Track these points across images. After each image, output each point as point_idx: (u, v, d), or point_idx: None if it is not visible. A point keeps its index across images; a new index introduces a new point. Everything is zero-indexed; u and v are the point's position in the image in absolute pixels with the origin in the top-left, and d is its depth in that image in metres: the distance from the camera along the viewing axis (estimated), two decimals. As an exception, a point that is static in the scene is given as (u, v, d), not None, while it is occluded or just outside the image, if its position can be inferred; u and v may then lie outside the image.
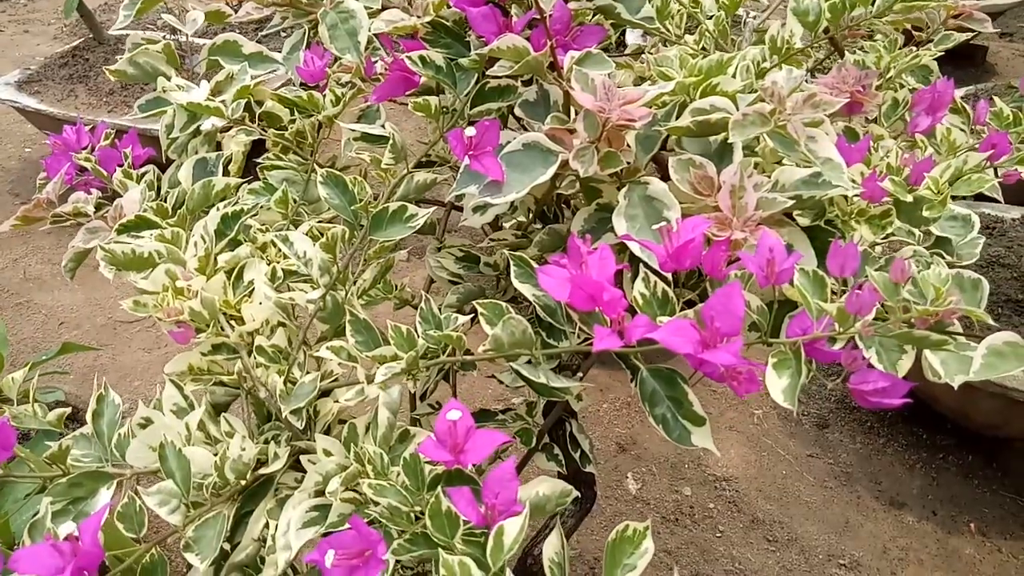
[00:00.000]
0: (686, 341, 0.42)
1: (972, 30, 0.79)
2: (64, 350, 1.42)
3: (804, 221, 0.61)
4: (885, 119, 0.66)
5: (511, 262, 0.55)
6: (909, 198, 0.55)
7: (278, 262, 0.65)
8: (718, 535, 1.92)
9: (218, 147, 0.87)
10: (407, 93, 0.69)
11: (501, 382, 0.76)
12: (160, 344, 2.44)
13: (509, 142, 0.59)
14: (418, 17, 0.67)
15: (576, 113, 0.61)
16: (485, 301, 0.54)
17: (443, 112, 0.65)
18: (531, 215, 0.74)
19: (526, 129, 0.67)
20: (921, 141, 0.61)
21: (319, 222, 0.68)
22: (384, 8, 0.68)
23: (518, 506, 0.43)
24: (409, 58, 0.64)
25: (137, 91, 2.90)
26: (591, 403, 2.17)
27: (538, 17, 0.62)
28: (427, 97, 0.63)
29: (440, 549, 0.45)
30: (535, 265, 0.54)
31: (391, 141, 0.63)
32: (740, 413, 2.13)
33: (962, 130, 0.62)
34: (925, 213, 0.56)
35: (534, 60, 0.57)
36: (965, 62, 3.13)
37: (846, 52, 0.80)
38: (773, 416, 2.11)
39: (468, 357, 0.55)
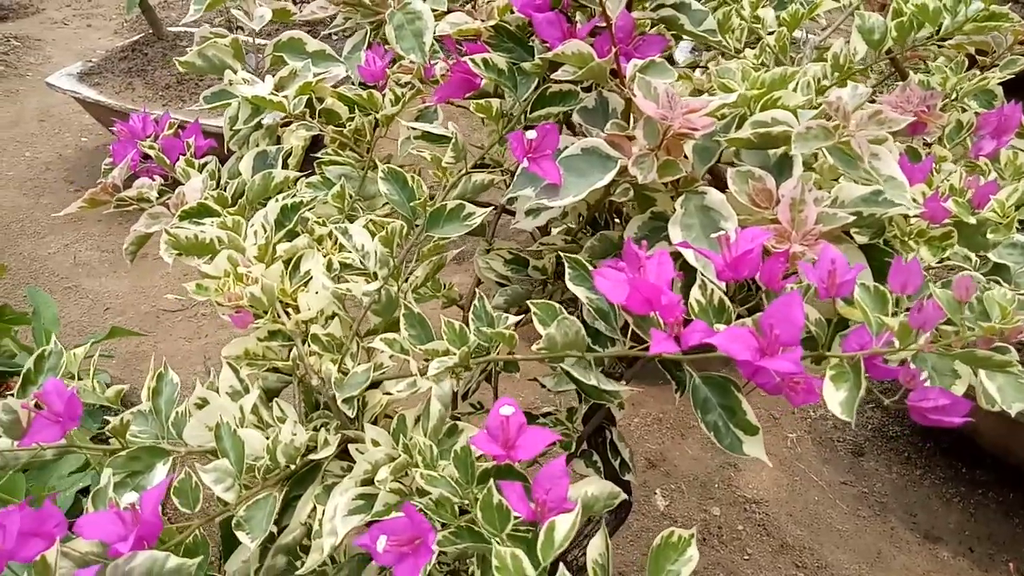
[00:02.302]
0: (744, 348, 0.42)
1: (1040, 56, 0.78)
2: (112, 334, 1.45)
3: (861, 239, 0.61)
4: (948, 141, 0.66)
5: (566, 264, 0.56)
6: (972, 220, 0.54)
7: (333, 254, 0.66)
8: (746, 558, 1.89)
9: (277, 141, 0.89)
10: (467, 96, 0.70)
11: (543, 386, 0.77)
12: (200, 334, 2.49)
13: (568, 146, 0.60)
14: (482, 21, 0.68)
15: (635, 121, 0.62)
16: (538, 301, 0.55)
17: (503, 116, 0.66)
18: (582, 221, 0.75)
19: (581, 136, 0.68)
20: (985, 164, 0.61)
21: (375, 217, 0.69)
22: (450, 11, 0.69)
23: (568, 504, 0.43)
24: (472, 60, 0.65)
25: (192, 86, 2.97)
26: (622, 417, 2.16)
27: (602, 24, 0.63)
28: (489, 100, 0.64)
29: (491, 542, 0.46)
30: (590, 268, 0.54)
31: (453, 140, 0.64)
32: (774, 436, 2.11)
33: (1029, 155, 0.62)
34: (989, 236, 0.55)
35: (597, 66, 0.57)
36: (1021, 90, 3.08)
37: (908, 73, 0.80)
38: (807, 440, 2.08)
39: (519, 356, 0.56)
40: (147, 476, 0.53)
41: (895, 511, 1.88)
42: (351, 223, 0.74)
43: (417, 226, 0.62)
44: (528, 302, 0.55)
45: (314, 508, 0.56)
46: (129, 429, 0.54)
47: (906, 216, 0.59)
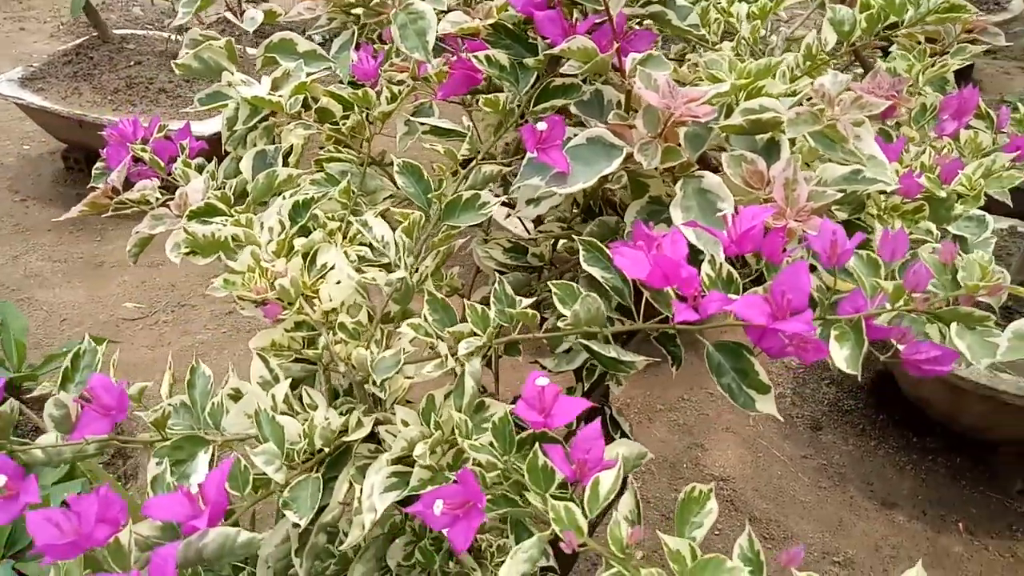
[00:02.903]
0: (759, 313, 0.47)
1: (986, 42, 0.85)
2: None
3: (841, 215, 0.66)
4: (914, 123, 0.72)
5: (580, 246, 0.60)
6: (943, 194, 0.60)
7: (346, 248, 0.69)
8: (716, 533, 1.97)
9: (273, 141, 0.90)
10: (467, 91, 0.74)
11: (543, 367, 0.81)
12: (163, 342, 2.46)
13: (573, 136, 0.64)
14: (480, 20, 0.72)
15: (634, 112, 0.66)
16: (557, 282, 0.59)
17: (508, 109, 0.69)
18: (578, 210, 0.79)
19: (580, 127, 0.71)
20: (949, 144, 0.67)
21: (394, 210, 0.72)
22: (450, 9, 0.72)
23: (607, 462, 0.47)
24: (476, 57, 0.68)
25: (141, 90, 2.92)
26: (592, 404, 2.22)
27: (598, 22, 0.67)
28: (497, 94, 0.68)
29: (526, 507, 0.49)
30: (604, 248, 0.58)
31: (469, 135, 0.68)
32: (736, 415, 2.19)
33: (987, 133, 0.68)
34: (959, 207, 0.61)
35: (602, 60, 0.61)
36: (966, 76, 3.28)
37: (868, 61, 0.86)
38: (768, 418, 2.17)
39: (541, 335, 0.60)
40: (190, 464, 0.55)
41: (853, 481, 1.98)
42: (355, 217, 0.77)
43: (434, 214, 0.65)
44: (548, 283, 0.59)
45: (350, 487, 0.59)
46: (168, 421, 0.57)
47: (882, 193, 0.65)
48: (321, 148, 0.93)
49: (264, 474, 0.55)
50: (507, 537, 0.81)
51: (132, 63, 3.06)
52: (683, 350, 0.68)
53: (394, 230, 0.63)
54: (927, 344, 0.47)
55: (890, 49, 0.93)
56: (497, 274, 0.84)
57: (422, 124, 0.72)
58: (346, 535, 0.63)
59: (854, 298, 0.50)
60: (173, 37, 3.12)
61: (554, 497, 0.48)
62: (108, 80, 2.96)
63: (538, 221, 0.89)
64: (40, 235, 2.87)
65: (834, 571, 1.85)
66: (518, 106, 0.70)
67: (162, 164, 0.90)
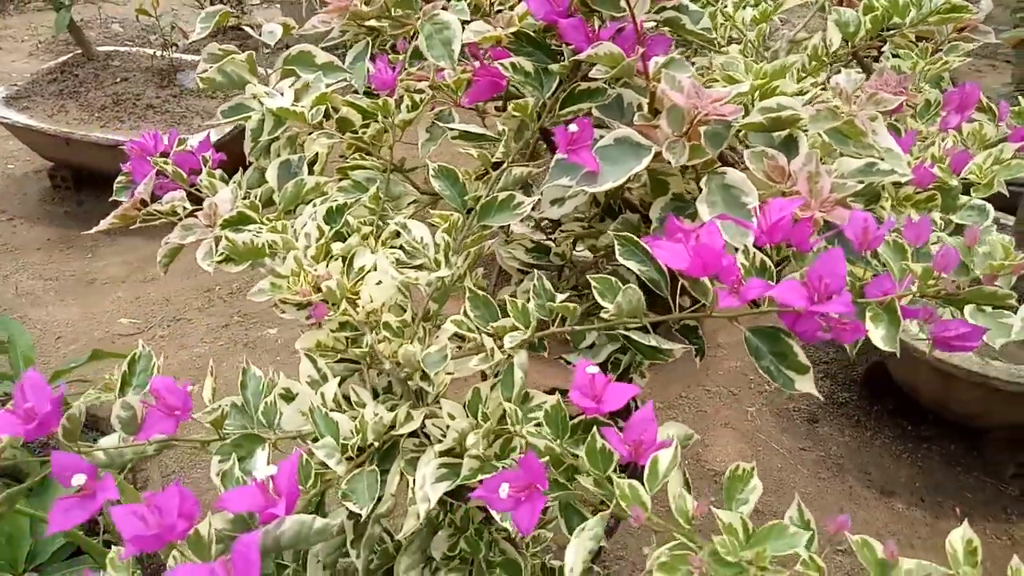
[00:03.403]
0: (799, 297, 0.50)
1: (977, 40, 0.89)
2: (94, 357, 1.44)
3: (858, 206, 0.70)
4: (919, 118, 0.75)
5: (616, 241, 0.62)
6: (955, 182, 0.64)
7: (379, 251, 0.71)
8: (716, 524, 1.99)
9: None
10: (491, 98, 0.76)
11: (567, 362, 0.83)
12: (159, 356, 2.46)
13: (600, 137, 0.67)
14: (502, 28, 0.75)
15: (656, 112, 0.69)
16: (596, 276, 0.61)
17: (527, 116, 0.72)
18: (599, 209, 0.82)
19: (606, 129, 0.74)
20: (955, 136, 0.70)
21: (412, 214, 0.74)
22: (472, 19, 0.75)
23: (662, 442, 0.50)
24: (502, 64, 0.71)
25: (129, 106, 2.92)
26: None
27: (620, 27, 0.70)
28: (526, 99, 0.70)
29: (582, 484, 0.52)
30: (639, 242, 0.61)
31: (505, 138, 0.70)
32: (734, 411, 2.23)
33: (991, 125, 0.72)
34: (973, 194, 0.64)
35: (628, 64, 0.64)
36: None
37: (866, 61, 0.90)
38: (766, 412, 2.21)
39: (581, 327, 0.62)
40: (249, 460, 0.57)
41: (851, 471, 2.02)
42: (392, 220, 0.80)
43: (469, 215, 0.68)
44: (588, 276, 0.61)
45: (402, 477, 0.61)
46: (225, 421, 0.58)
47: (896, 184, 0.69)
48: (341, 157, 0.95)
49: (320, 468, 0.57)
50: (543, 527, 0.83)
51: (118, 80, 3.05)
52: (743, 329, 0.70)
53: (432, 232, 0.66)
54: (956, 322, 0.51)
55: (883, 50, 0.97)
56: (520, 273, 0.86)
57: (451, 130, 0.74)
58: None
59: (881, 281, 0.53)
60: (159, 53, 3.13)
61: (609, 480, 0.51)
62: (95, 97, 2.95)
63: (556, 223, 0.91)
64: (29, 254, 2.86)
65: (837, 559, 1.89)
66: (543, 110, 0.73)
67: (184, 176, 0.91)
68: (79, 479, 0.48)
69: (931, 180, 0.64)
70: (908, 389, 2.06)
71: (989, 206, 0.79)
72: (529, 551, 0.76)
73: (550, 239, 0.86)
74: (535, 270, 0.83)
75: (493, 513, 0.57)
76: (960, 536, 0.48)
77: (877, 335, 0.50)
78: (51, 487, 1.19)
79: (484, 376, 0.81)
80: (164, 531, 0.45)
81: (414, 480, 0.59)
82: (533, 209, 0.72)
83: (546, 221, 0.93)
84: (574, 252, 0.87)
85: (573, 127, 0.64)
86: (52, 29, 4.31)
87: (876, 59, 0.98)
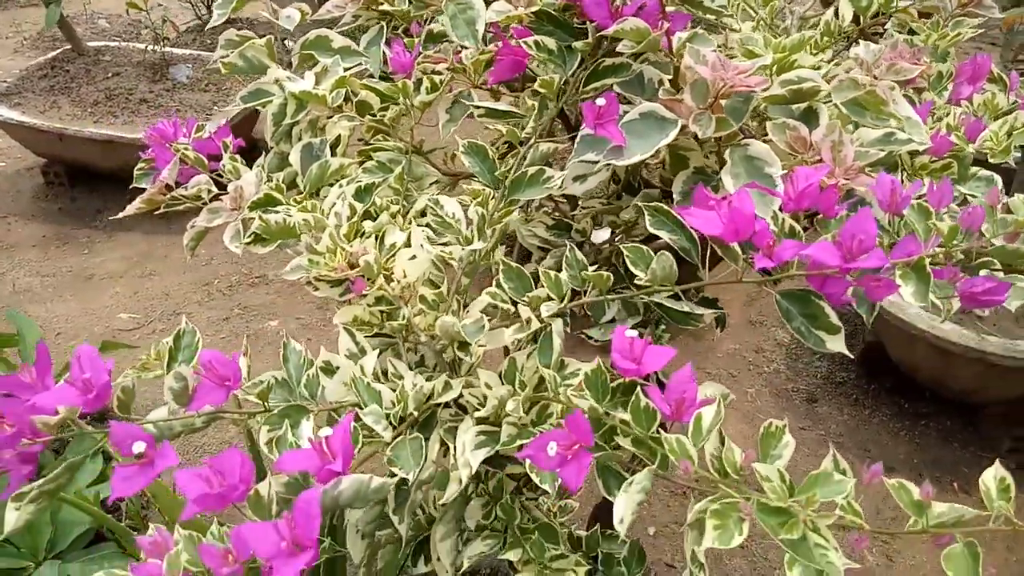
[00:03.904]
0: (832, 256, 0.52)
1: (981, 15, 0.91)
2: (104, 348, 1.45)
3: (875, 175, 0.72)
4: (932, 89, 0.77)
5: (646, 212, 0.64)
6: (972, 150, 0.66)
7: (407, 229, 0.73)
8: (724, 506, 2.02)
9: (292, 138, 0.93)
10: (513, 76, 0.78)
11: (590, 337, 0.85)
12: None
13: (626, 112, 0.68)
14: (523, 8, 0.76)
15: (680, 88, 0.71)
16: (629, 245, 0.63)
17: (551, 93, 0.73)
18: (618, 187, 0.83)
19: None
20: (968, 105, 0.73)
21: (437, 193, 0.75)
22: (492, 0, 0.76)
23: (703, 400, 0.52)
24: (526, 43, 0.72)
25: (122, 101, 2.91)
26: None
27: (641, 4, 0.71)
28: (552, 76, 0.72)
29: (620, 445, 0.54)
30: (671, 212, 0.63)
31: (536, 112, 0.71)
32: (735, 392, 2.25)
33: (1002, 95, 0.74)
34: (991, 160, 0.67)
35: (654, 39, 0.66)
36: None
37: (870, 36, 0.92)
38: (765, 393, 2.24)
39: (612, 296, 0.64)
40: (296, 430, 0.58)
41: (851, 448, 2.05)
42: (407, 201, 0.81)
43: (499, 190, 0.69)
44: (621, 246, 0.63)
45: (442, 445, 0.62)
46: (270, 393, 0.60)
47: (912, 153, 0.71)
48: (360, 140, 0.96)
49: (367, 436, 0.58)
50: (569, 498, 0.85)
51: (110, 75, 3.04)
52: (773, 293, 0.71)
53: (464, 208, 0.67)
54: (982, 278, 0.53)
55: (886, 27, 0.99)
56: (540, 251, 0.88)
57: (477, 107, 0.76)
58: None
59: (907, 243, 0.55)
60: (150, 48, 3.11)
61: (654, 439, 0.53)
62: (87, 92, 2.94)
63: (573, 202, 0.93)
64: (25, 251, 2.85)
65: (841, 535, 1.92)
66: (566, 87, 0.74)
67: (205, 162, 0.92)
68: (139, 447, 0.49)
69: (948, 148, 0.66)
70: (905, 367, 2.10)
71: (997, 177, 0.81)
72: (557, 519, 0.78)
73: (569, 218, 0.87)
74: (552, 249, 0.84)
75: (533, 476, 0.58)
76: (993, 475, 0.50)
77: (907, 291, 0.52)
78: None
79: (507, 352, 0.83)
80: (227, 491, 0.46)
81: (454, 447, 0.60)
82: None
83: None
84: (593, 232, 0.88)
85: (601, 100, 0.65)
86: (37, 26, 4.27)
87: (880, 35, 1.00)
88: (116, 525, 1.04)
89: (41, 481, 0.51)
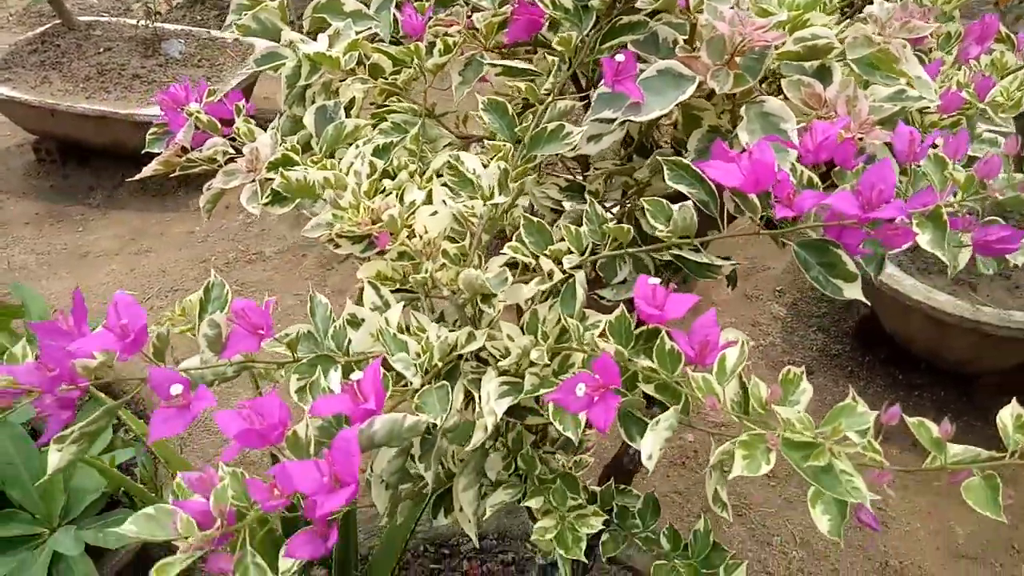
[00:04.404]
0: (852, 205, 0.53)
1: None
2: (109, 319, 1.45)
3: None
4: (940, 49, 0.79)
5: (665, 166, 0.65)
6: (983, 106, 0.67)
7: (426, 187, 0.74)
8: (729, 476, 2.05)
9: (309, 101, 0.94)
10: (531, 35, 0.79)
11: (602, 298, 0.86)
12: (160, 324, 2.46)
13: (643, 69, 0.69)
14: (539, -34, 0.76)
15: (696, 46, 0.72)
16: (648, 198, 0.64)
17: (568, 51, 0.74)
18: (632, 146, 0.84)
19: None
20: (976, 64, 0.74)
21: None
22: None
23: (726, 343, 0.53)
24: (542, 1, 0.73)
25: (115, 76, 2.88)
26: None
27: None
28: (570, 33, 0.72)
29: (642, 391, 0.55)
30: (689, 166, 0.64)
31: (555, 69, 0.72)
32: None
33: (1010, 53, 0.75)
34: (1001, 115, 0.68)
35: (672, -4, 0.67)
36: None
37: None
38: (761, 366, 2.26)
39: (633, 250, 0.65)
40: (323, 379, 0.59)
41: (846, 419, 2.09)
42: (421, 162, 0.82)
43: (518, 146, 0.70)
44: (641, 200, 0.64)
45: (465, 395, 0.64)
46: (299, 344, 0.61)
47: (922, 110, 0.72)
48: (372, 104, 0.96)
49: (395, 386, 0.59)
50: (584, 453, 0.87)
51: (101, 50, 3.01)
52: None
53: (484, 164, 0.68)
54: (997, 226, 0.54)
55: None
56: (553, 213, 0.89)
57: (494, 65, 0.76)
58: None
59: (923, 194, 0.57)
60: (141, 23, 3.08)
61: (674, 383, 0.54)
62: (78, 68, 2.91)
63: (584, 166, 0.94)
64: (18, 228, 2.83)
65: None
66: (582, 45, 0.75)
67: (218, 125, 0.93)
68: (176, 389, 0.50)
69: (959, 104, 0.67)
70: (900, 339, 2.12)
71: (1000, 139, 0.83)
72: (578, 471, 0.80)
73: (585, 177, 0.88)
74: (564, 210, 0.85)
75: (556, 424, 0.60)
76: (1010, 412, 0.52)
77: (924, 239, 0.54)
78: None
79: (519, 312, 0.84)
80: (267, 430, 0.47)
81: (479, 397, 0.61)
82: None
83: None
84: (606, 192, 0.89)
85: (620, 56, 0.66)
86: (23, 1, 4.21)
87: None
88: (133, 486, 1.06)
89: (82, 423, 0.52)
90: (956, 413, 2.11)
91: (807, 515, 2.21)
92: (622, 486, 0.86)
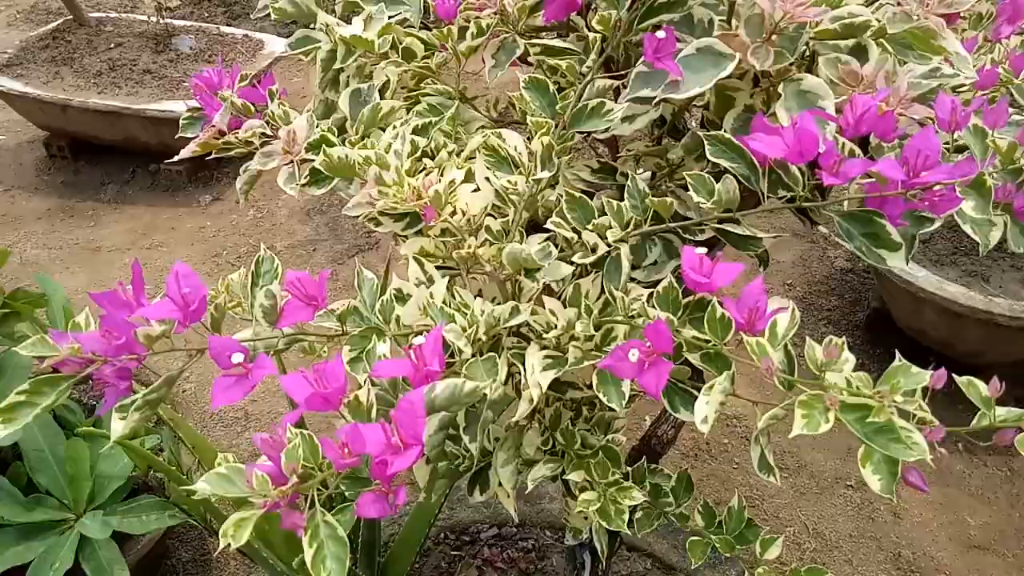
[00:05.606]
0: (898, 171, 0.54)
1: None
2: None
3: (922, 110, 0.74)
4: (972, 28, 0.80)
5: (707, 142, 0.66)
6: (1018, 81, 0.68)
7: (464, 166, 0.75)
8: (734, 467, 2.07)
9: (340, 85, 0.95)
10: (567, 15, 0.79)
11: (633, 279, 0.87)
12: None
13: (682, 47, 0.70)
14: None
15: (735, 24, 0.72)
16: (691, 172, 0.65)
17: (607, 31, 0.75)
18: (665, 127, 0.85)
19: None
20: (1004, 44, 0.75)
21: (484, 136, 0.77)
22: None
23: (775, 310, 0.54)
24: (580, -19, 0.74)
25: (126, 71, 2.89)
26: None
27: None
28: (609, 11, 0.73)
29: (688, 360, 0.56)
30: (731, 140, 0.65)
31: (596, 48, 0.73)
32: (743, 357, 2.30)
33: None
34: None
35: (712, -25, 0.68)
36: None
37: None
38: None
39: (680, 223, 0.66)
40: (372, 350, 0.60)
41: (858, 410, 2.10)
42: (456, 143, 0.83)
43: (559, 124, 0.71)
44: (684, 174, 0.65)
45: (508, 369, 0.65)
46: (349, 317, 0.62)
47: (954, 89, 0.73)
48: (403, 88, 0.97)
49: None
50: (616, 432, 0.87)
51: (112, 45, 3.02)
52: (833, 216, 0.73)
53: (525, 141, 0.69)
54: (1040, 196, 0.55)
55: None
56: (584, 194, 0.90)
57: (533, 45, 0.77)
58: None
59: (964, 165, 0.58)
60: (152, 18, 3.09)
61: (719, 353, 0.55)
62: (90, 63, 2.92)
63: (614, 149, 0.95)
64: (30, 223, 2.84)
65: (847, 494, 1.96)
66: (619, 24, 0.76)
67: (252, 108, 0.94)
68: (237, 357, 0.51)
69: (995, 81, 0.68)
70: (911, 332, 2.13)
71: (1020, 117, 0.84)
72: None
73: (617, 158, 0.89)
74: (597, 192, 0.86)
75: (601, 395, 0.61)
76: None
77: (968, 206, 0.55)
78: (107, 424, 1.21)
79: (550, 292, 0.85)
80: (333, 393, 0.48)
81: (522, 369, 0.62)
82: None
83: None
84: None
85: (661, 33, 0.67)
86: None
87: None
88: (159, 463, 1.07)
89: (145, 391, 0.53)
90: (967, 404, 2.11)
91: (820, 506, 2.23)
92: (653, 466, 0.86)
